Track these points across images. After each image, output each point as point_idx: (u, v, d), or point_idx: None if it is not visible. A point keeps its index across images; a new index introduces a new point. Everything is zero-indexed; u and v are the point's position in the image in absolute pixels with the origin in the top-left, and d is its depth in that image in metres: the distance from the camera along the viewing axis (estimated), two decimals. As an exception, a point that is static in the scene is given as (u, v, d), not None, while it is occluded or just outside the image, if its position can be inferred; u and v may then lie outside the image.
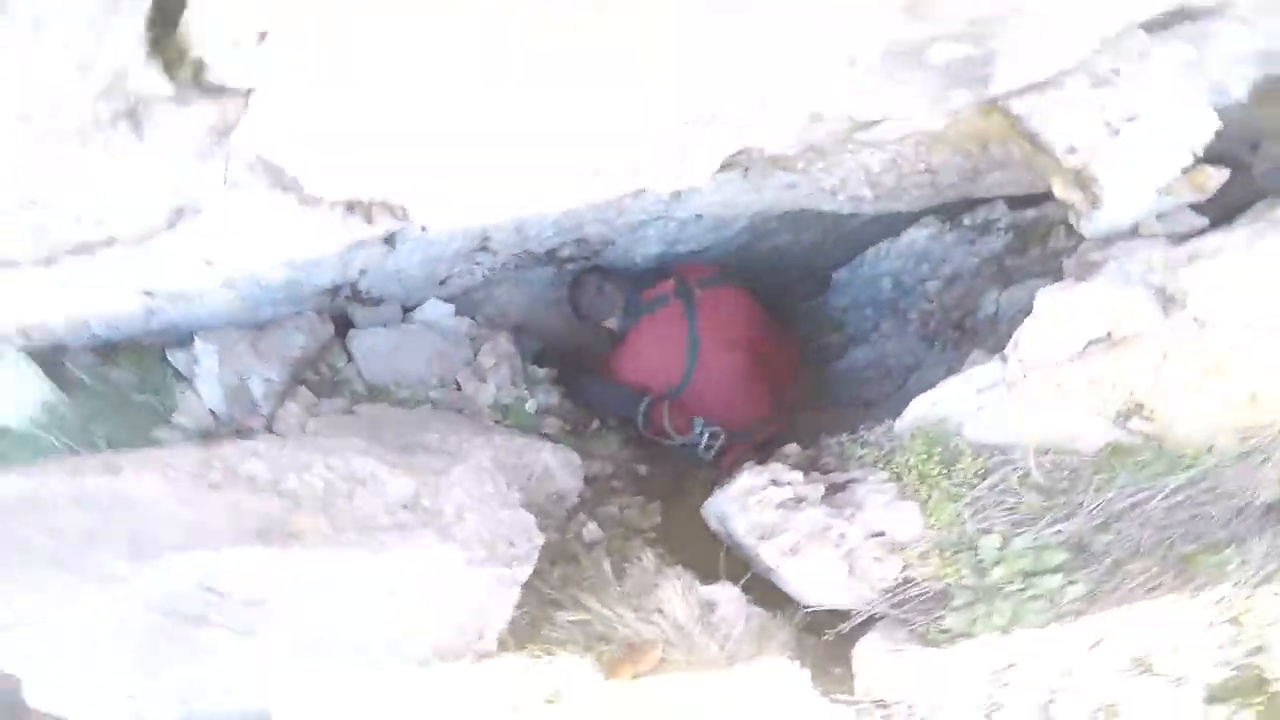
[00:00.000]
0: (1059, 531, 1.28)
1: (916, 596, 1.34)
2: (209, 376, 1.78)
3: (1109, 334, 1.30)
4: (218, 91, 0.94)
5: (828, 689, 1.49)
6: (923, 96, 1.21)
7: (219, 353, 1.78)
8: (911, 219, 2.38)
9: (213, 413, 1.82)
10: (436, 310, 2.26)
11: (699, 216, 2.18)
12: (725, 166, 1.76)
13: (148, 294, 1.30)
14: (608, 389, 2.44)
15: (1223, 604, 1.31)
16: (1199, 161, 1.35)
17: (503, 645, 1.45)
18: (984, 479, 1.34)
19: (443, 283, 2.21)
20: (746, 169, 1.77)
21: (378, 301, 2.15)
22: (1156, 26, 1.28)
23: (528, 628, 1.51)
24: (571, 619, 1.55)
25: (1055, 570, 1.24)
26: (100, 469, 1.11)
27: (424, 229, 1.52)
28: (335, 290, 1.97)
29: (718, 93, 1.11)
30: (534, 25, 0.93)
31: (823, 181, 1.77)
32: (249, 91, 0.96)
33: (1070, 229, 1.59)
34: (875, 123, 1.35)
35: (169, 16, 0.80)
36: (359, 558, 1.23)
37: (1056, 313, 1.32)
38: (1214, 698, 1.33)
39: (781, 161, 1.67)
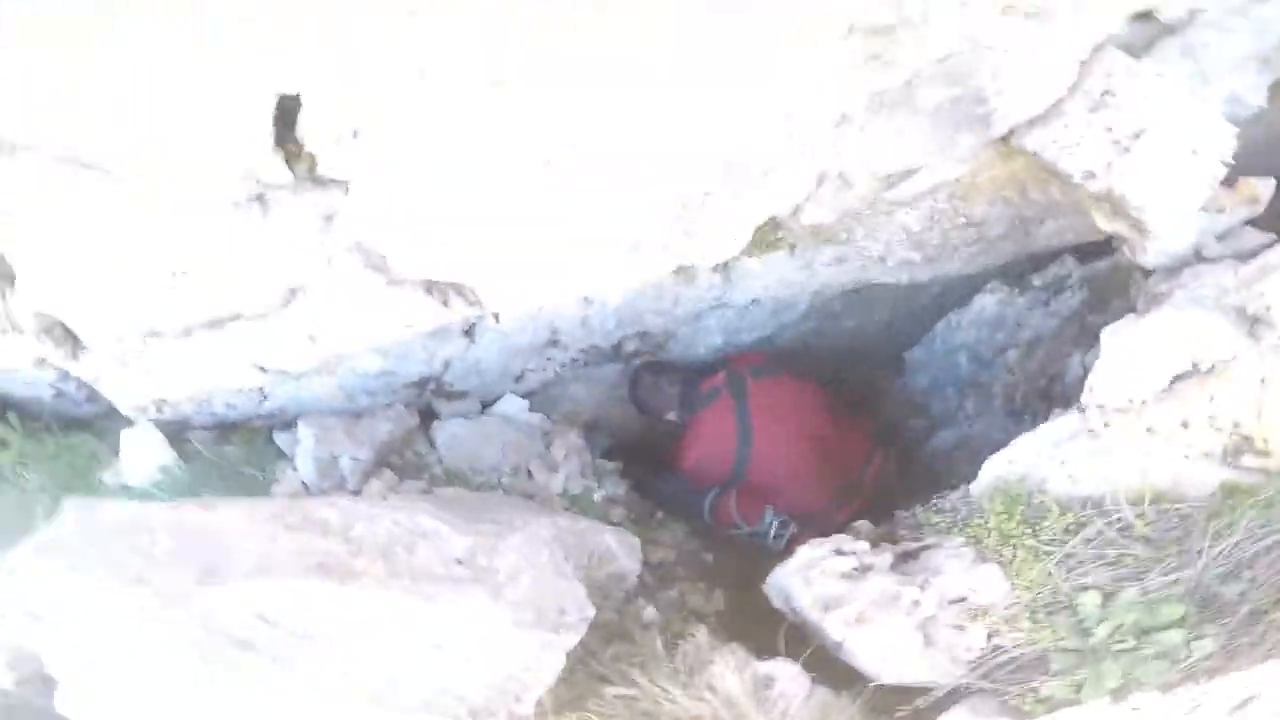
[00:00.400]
0: (1175, 581, 1.08)
1: (1007, 664, 1.15)
2: (306, 454, 2.01)
3: (1194, 365, 1.18)
4: (326, 183, 1.20)
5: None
6: (930, 142, 1.28)
7: (316, 434, 2.01)
8: (978, 285, 2.32)
9: (304, 485, 2.03)
10: (512, 405, 2.43)
11: (756, 302, 2.26)
12: (769, 246, 1.88)
13: (261, 369, 1.54)
14: (675, 481, 2.44)
15: None
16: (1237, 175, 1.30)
17: (540, 713, 1.38)
18: (1076, 533, 1.19)
19: (519, 379, 2.40)
20: (792, 246, 1.86)
21: (460, 395, 2.35)
22: (1140, 48, 1.33)
23: (571, 701, 1.44)
24: (618, 694, 1.46)
25: (1176, 624, 1.03)
26: (198, 507, 1.28)
27: (496, 318, 1.71)
28: (423, 384, 2.21)
29: (719, 164, 1.25)
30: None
31: (868, 249, 1.82)
32: (348, 183, 1.22)
33: (1147, 272, 1.52)
34: (896, 177, 1.43)
35: (289, 116, 1.07)
36: (410, 604, 1.28)
37: (1126, 350, 1.23)
38: None
39: (823, 233, 1.75)
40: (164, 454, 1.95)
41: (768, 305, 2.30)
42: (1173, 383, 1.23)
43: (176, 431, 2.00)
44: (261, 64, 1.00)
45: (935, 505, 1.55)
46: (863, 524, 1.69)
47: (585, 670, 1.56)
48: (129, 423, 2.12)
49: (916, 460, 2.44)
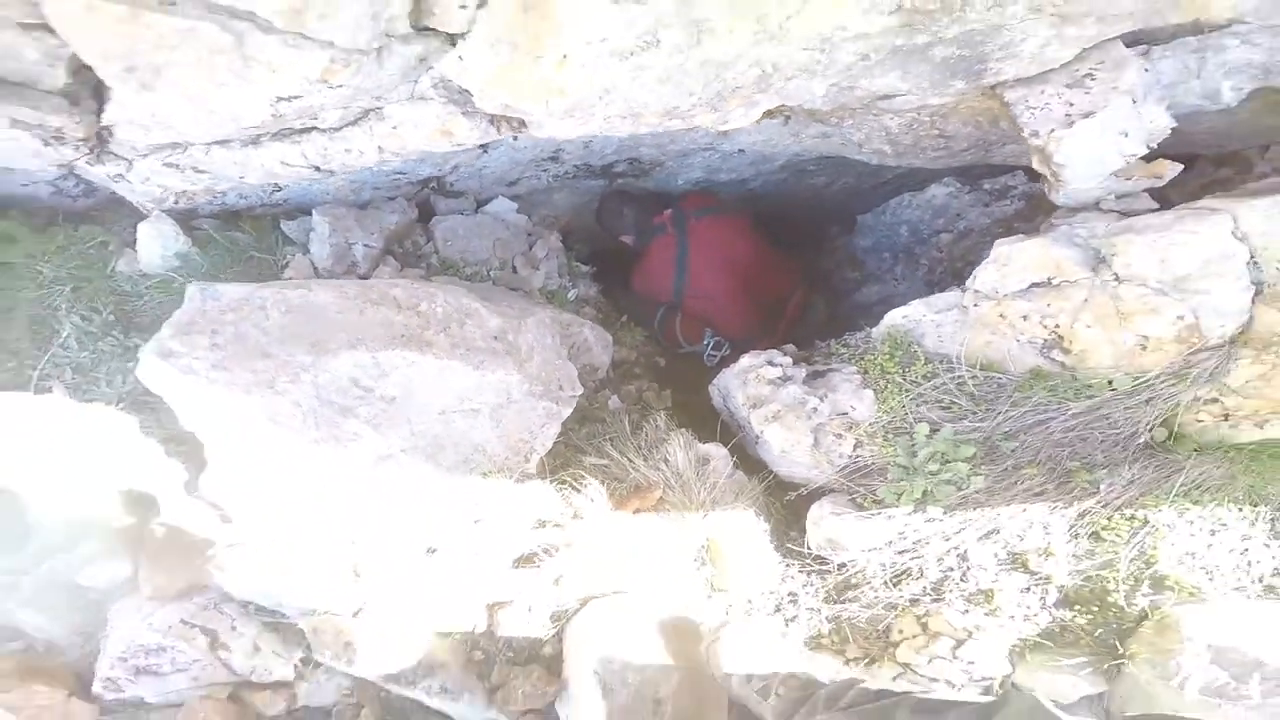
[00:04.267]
0: (976, 430, 1.73)
1: (861, 470, 1.83)
2: (321, 240, 2.29)
3: (1048, 279, 1.70)
4: (430, 34, 1.37)
5: (782, 542, 2.02)
6: (926, 81, 1.58)
7: (331, 222, 2.28)
8: (936, 177, 2.72)
9: (314, 268, 2.35)
10: (503, 205, 2.73)
11: (741, 151, 2.56)
12: (768, 115, 2.16)
13: (315, 169, 1.77)
14: (631, 296, 2.94)
15: (1087, 518, 1.76)
16: (1159, 155, 1.71)
17: (540, 472, 1.99)
18: (929, 380, 1.79)
19: (512, 184, 2.66)
20: (788, 118, 2.14)
21: (458, 194, 2.62)
22: (1161, 39, 1.60)
23: (557, 467, 2.05)
24: (594, 462, 2.08)
25: (965, 460, 1.71)
26: (296, 286, 1.62)
27: (515, 138, 1.94)
28: (426, 182, 2.45)
29: (772, 66, 1.51)
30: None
31: (851, 135, 2.14)
32: (458, 35, 1.38)
33: (1055, 207, 1.96)
34: (892, 96, 1.73)
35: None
36: (464, 370, 1.72)
37: (1008, 258, 1.72)
38: (1065, 601, 1.81)
39: (818, 115, 2.04)
40: (180, 242, 2.18)
41: (750, 155, 2.61)
42: (1029, 288, 1.75)
43: (183, 220, 2.20)
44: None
45: (844, 340, 2.09)
46: (789, 347, 2.25)
47: (566, 444, 2.15)
48: (126, 213, 2.29)
49: (845, 305, 3.03)
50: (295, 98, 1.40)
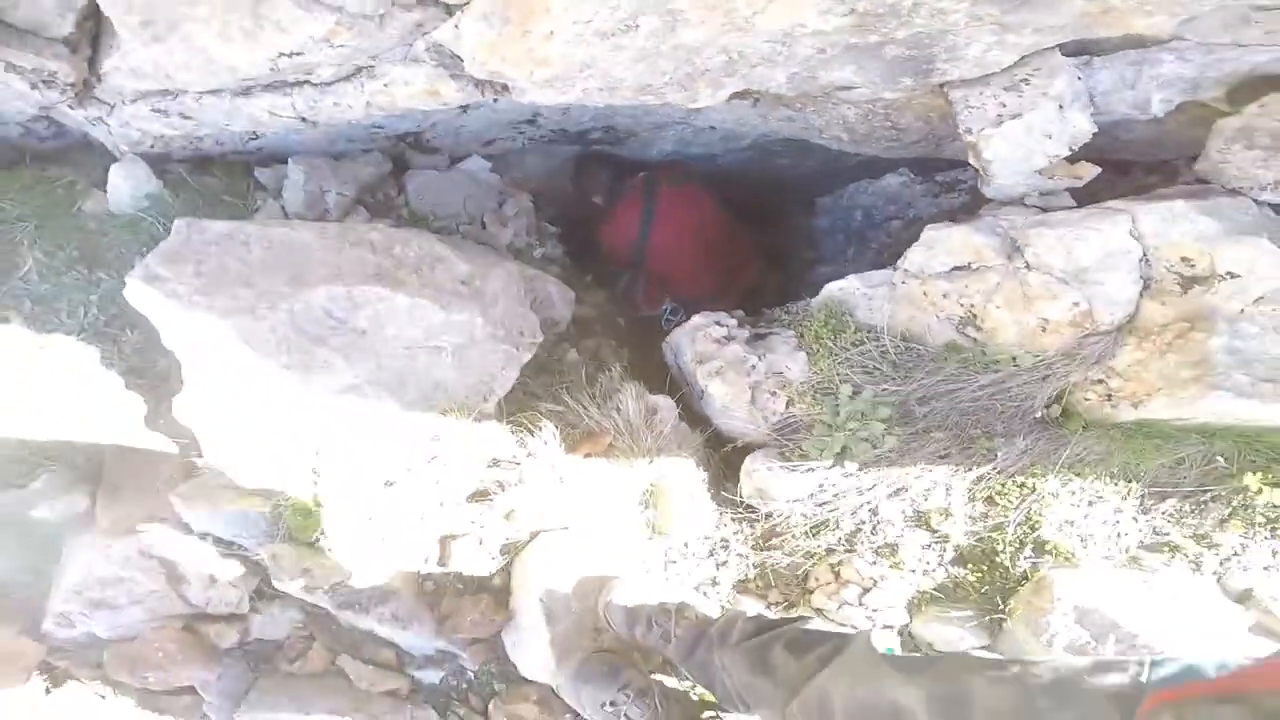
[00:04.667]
0: (894, 394, 1.94)
1: (791, 426, 2.02)
2: (295, 187, 2.37)
3: (969, 264, 1.90)
4: (433, 3, 1.47)
5: (717, 491, 2.21)
6: (878, 77, 1.74)
7: (306, 171, 2.36)
8: (893, 167, 2.91)
9: (285, 213, 2.42)
10: (478, 164, 2.82)
11: (712, 128, 2.70)
12: (740, 95, 2.30)
13: (302, 119, 1.85)
14: (596, 257, 3.09)
15: (983, 483, 1.98)
16: (1080, 159, 1.91)
17: (497, 414, 2.13)
18: (856, 347, 1.99)
19: (488, 144, 2.76)
20: (756, 100, 2.29)
21: (433, 150, 2.70)
22: (1105, 50, 1.75)
23: (513, 411, 2.19)
24: (549, 409, 2.23)
25: (881, 420, 1.92)
26: (278, 225, 1.72)
27: (495, 101, 2.04)
28: (402, 137, 2.53)
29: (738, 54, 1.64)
30: None
31: (813, 120, 2.30)
32: (456, 7, 1.48)
33: (986, 199, 2.16)
34: (848, 88, 1.88)
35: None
36: (432, 309, 1.85)
37: (935, 242, 1.92)
38: (959, 559, 2.03)
39: (784, 100, 2.18)
40: (151, 184, 2.25)
41: (720, 132, 2.76)
42: (951, 270, 1.94)
43: (155, 164, 2.26)
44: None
45: (785, 308, 2.28)
46: (738, 312, 2.41)
47: (523, 390, 2.29)
48: (94, 155, 2.35)
49: (798, 282, 3.22)
50: (296, 54, 1.50)
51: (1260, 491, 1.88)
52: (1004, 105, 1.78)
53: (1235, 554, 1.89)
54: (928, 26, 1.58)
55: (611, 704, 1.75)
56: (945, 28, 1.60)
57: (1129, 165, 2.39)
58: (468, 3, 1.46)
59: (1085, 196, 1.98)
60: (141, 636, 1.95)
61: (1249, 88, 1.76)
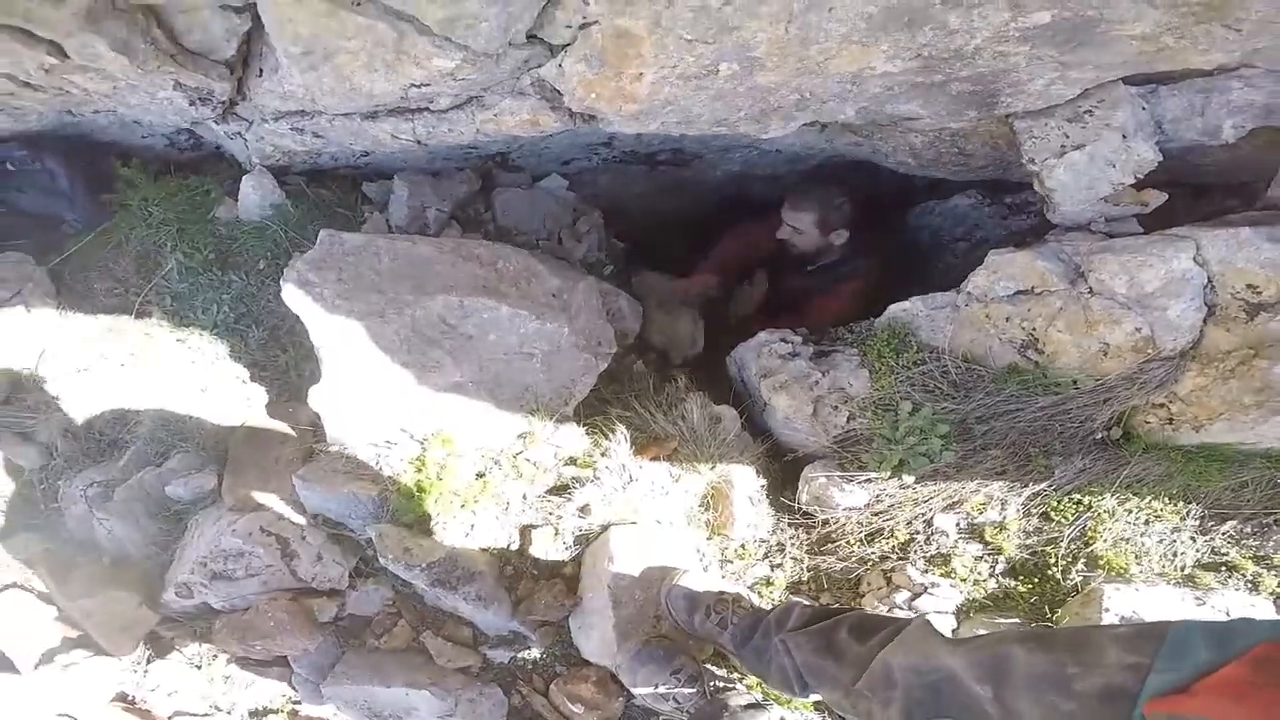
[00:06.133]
0: (953, 412, 2.07)
1: (851, 439, 2.17)
2: (400, 202, 2.66)
3: (1031, 288, 2.01)
4: (540, 43, 1.72)
5: (776, 497, 2.37)
6: (944, 110, 1.89)
7: (410, 187, 2.64)
8: (962, 189, 3.01)
9: (389, 225, 2.72)
10: (556, 183, 3.08)
11: (778, 151, 2.88)
12: (806, 124, 2.47)
13: (418, 142, 2.14)
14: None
15: (1039, 499, 2.08)
16: (1146, 185, 1.99)
17: (575, 416, 2.36)
18: (918, 366, 2.12)
19: (566, 163, 3.02)
20: (824, 126, 2.46)
21: (518, 169, 2.98)
22: (1173, 79, 1.84)
23: (589, 415, 2.41)
24: (619, 414, 2.45)
25: (940, 436, 2.04)
26: (404, 239, 2.00)
27: (590, 121, 2.28)
28: (491, 157, 2.81)
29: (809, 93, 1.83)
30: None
31: (880, 147, 2.45)
32: (559, 47, 1.73)
33: (1053, 225, 2.26)
34: (914, 119, 2.03)
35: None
36: (529, 319, 2.10)
37: (999, 266, 2.03)
38: (1011, 570, 2.13)
39: (851, 127, 2.35)
40: (276, 194, 2.53)
41: (786, 155, 2.92)
42: (1014, 294, 2.04)
43: (277, 175, 2.57)
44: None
45: (850, 327, 2.41)
46: (802, 330, 2.53)
47: (597, 396, 2.51)
48: (224, 166, 2.69)
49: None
50: (424, 85, 1.76)
51: (1323, 514, 1.87)
52: (1067, 136, 1.90)
53: (1294, 574, 1.90)
54: (990, 66, 1.72)
55: (664, 685, 1.94)
56: (1007, 67, 1.74)
57: (1207, 188, 2.43)
58: (571, 43, 1.69)
59: (1163, 218, 2.05)
60: (255, 607, 2.21)
61: (1321, 113, 1.80)
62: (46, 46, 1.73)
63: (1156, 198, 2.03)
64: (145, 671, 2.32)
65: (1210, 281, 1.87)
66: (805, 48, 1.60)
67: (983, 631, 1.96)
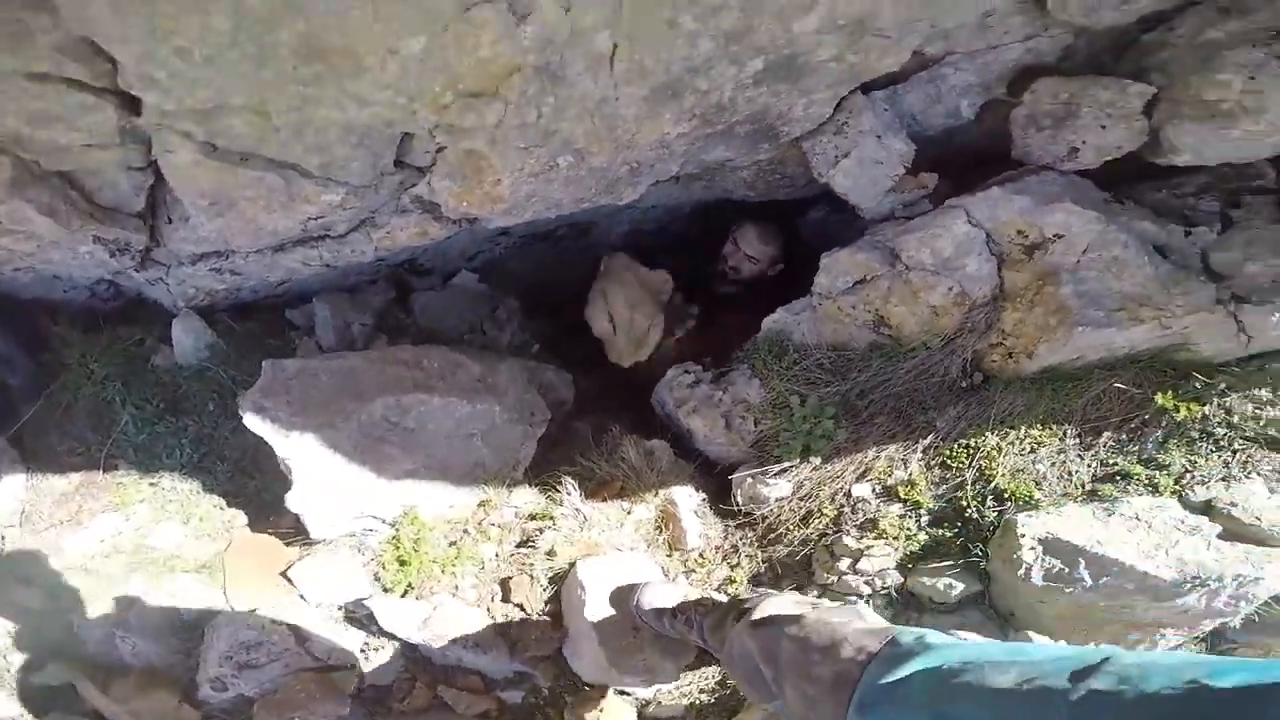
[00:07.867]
0: (836, 394, 2.48)
1: (762, 440, 2.56)
2: (325, 323, 3.00)
3: (864, 277, 2.46)
4: (409, 168, 2.13)
5: (717, 507, 2.73)
6: (742, 149, 2.34)
7: (330, 307, 3.00)
8: (814, 204, 3.53)
9: (320, 348, 3.05)
10: (467, 278, 3.49)
11: (654, 207, 3.36)
12: (669, 180, 2.90)
13: (326, 265, 2.52)
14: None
15: (932, 451, 2.46)
16: (921, 169, 2.43)
17: (526, 479, 2.70)
18: (797, 365, 2.54)
19: (471, 258, 3.43)
20: (677, 179, 2.94)
21: (427, 272, 3.38)
22: (902, 78, 2.26)
23: (540, 475, 2.75)
24: (567, 469, 2.80)
25: (830, 418, 2.45)
26: (335, 357, 2.36)
27: (473, 223, 2.70)
28: (398, 265, 3.21)
29: (636, 162, 2.29)
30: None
31: (723, 185, 2.92)
32: (426, 169, 2.14)
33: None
34: (728, 161, 2.51)
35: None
36: (461, 405, 2.45)
37: (834, 265, 2.47)
38: (934, 520, 2.47)
39: (692, 176, 2.83)
40: (207, 334, 2.74)
41: (661, 209, 3.41)
42: (854, 285, 2.42)
43: (203, 315, 2.76)
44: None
45: (741, 349, 2.80)
46: (706, 360, 2.93)
47: (545, 459, 2.86)
48: (148, 312, 2.88)
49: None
50: (320, 217, 2.16)
51: (1177, 409, 2.17)
52: (837, 147, 2.31)
53: (1187, 471, 2.14)
54: (750, 108, 2.12)
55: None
56: (763, 105, 2.13)
57: (987, 157, 2.78)
58: (434, 164, 2.09)
59: (960, 191, 2.43)
60: (284, 685, 2.38)
61: (1020, 80, 2.22)
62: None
63: (931, 180, 2.47)
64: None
65: (989, 236, 2.34)
66: (613, 131, 2.05)
67: (928, 591, 2.27)
